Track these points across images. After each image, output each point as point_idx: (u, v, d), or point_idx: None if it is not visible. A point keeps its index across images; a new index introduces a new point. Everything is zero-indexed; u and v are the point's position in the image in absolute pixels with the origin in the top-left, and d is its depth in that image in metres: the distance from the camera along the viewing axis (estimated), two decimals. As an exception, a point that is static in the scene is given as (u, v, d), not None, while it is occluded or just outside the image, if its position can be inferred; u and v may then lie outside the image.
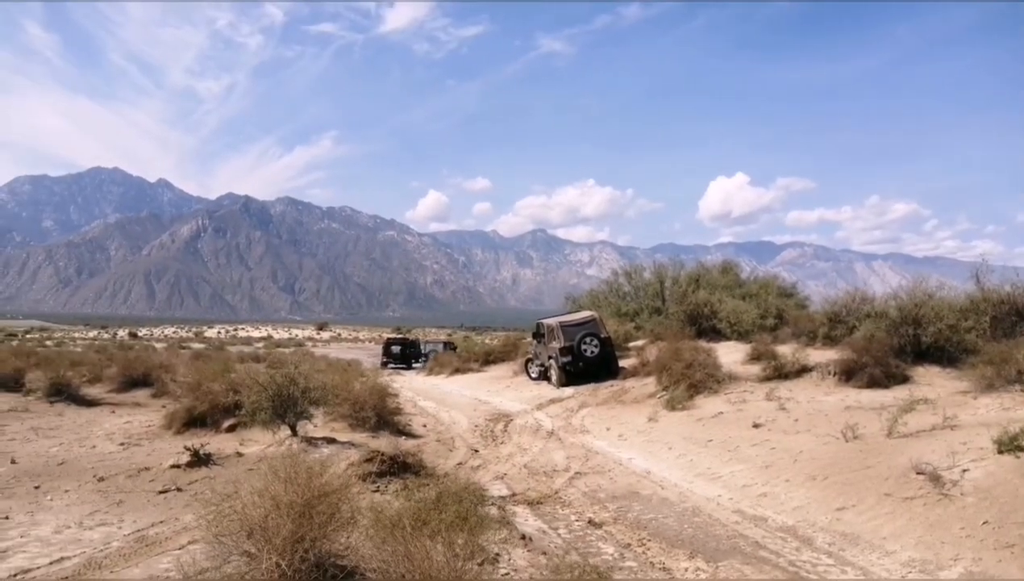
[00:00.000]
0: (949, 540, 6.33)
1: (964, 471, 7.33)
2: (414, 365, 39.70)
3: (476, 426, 14.81)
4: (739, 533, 7.33)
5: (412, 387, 24.54)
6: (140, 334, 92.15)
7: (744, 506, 8.19)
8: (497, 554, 6.36)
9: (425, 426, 15.05)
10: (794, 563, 6.41)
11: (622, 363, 19.68)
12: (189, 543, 6.80)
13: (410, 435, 13.59)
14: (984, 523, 6.40)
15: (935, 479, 7.29)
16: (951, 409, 9.51)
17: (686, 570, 6.36)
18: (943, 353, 13.34)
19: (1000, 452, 7.44)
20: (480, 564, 5.82)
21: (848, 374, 12.96)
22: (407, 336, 55.56)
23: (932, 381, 12.43)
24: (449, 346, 43.35)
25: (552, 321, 20.37)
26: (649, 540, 7.21)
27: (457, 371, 28.05)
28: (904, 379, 12.66)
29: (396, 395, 15.68)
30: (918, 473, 7.51)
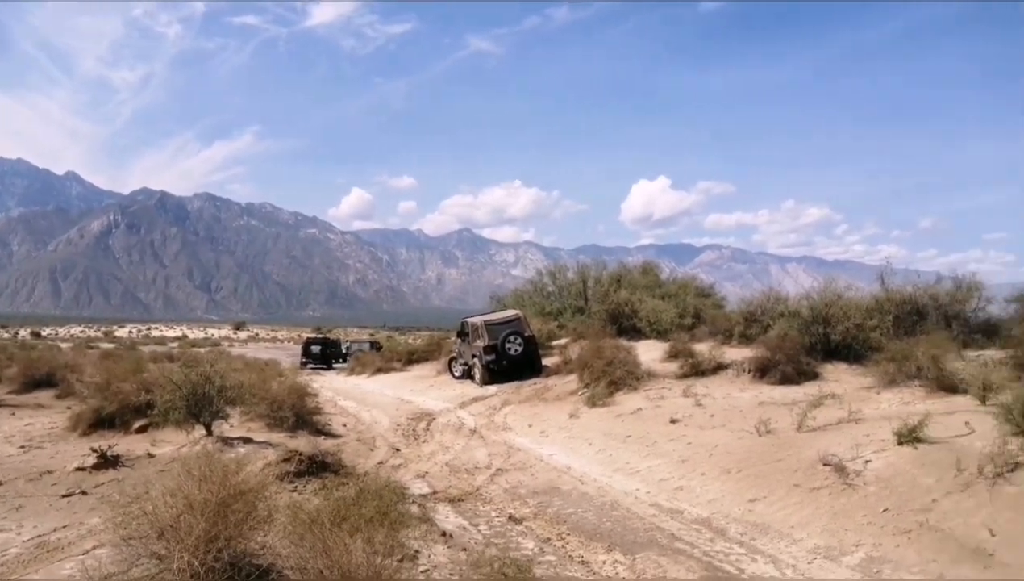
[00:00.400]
0: (852, 527, 6.63)
1: (867, 462, 7.67)
2: (335, 365, 39.09)
3: (398, 425, 14.69)
4: (656, 526, 7.48)
5: (332, 387, 24.17)
6: (44, 333, 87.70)
7: (661, 499, 8.37)
8: (417, 551, 6.33)
9: (345, 426, 14.84)
10: (708, 553, 6.59)
11: (545, 361, 19.84)
12: (94, 547, 6.51)
13: (330, 435, 13.37)
14: (884, 511, 6.71)
15: (840, 470, 7.61)
16: (856, 404, 9.93)
17: (604, 563, 6.45)
18: (850, 351, 13.90)
19: (900, 444, 7.82)
20: (400, 560, 5.77)
21: (762, 371, 13.38)
22: (327, 336, 54.65)
23: (840, 377, 12.94)
24: (375, 346, 42.87)
25: (477, 320, 20.38)
26: (568, 534, 7.29)
27: (379, 371, 27.78)
28: (814, 376, 13.13)
29: (315, 395, 15.41)
30: (825, 464, 7.82)
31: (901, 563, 5.95)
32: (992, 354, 11.62)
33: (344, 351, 41.76)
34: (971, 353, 12.13)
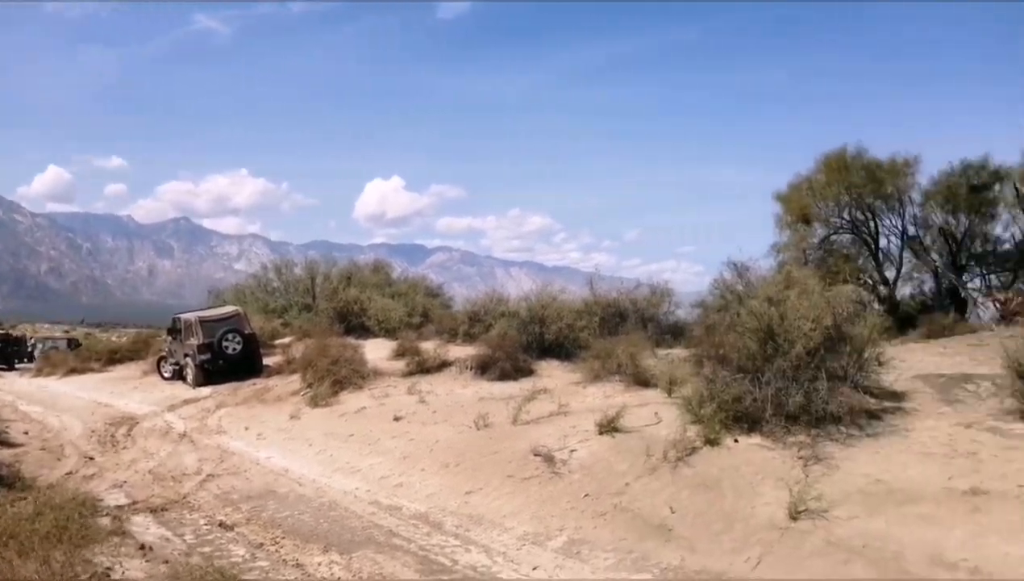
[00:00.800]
0: (557, 513, 7.11)
1: (572, 451, 8.29)
2: (18, 365, 34.26)
3: (93, 431, 13.21)
4: (374, 523, 7.46)
5: (14, 390, 21.23)
6: None
7: (381, 497, 8.36)
8: (109, 567, 5.71)
9: (27, 433, 13.06)
10: (424, 547, 6.70)
11: (267, 361, 19.00)
12: None
13: (7, 444, 11.67)
14: (585, 496, 7.29)
15: (549, 460, 8.15)
16: (566, 398, 10.67)
17: (320, 564, 6.30)
18: (562, 349, 14.92)
19: (601, 433, 8.56)
20: (88, 579, 5.16)
21: (483, 368, 13.90)
22: (9, 332, 47.72)
23: (552, 373, 13.81)
24: (72, 343, 38.13)
25: (190, 316, 18.98)
26: (283, 538, 7.02)
27: (74, 371, 24.78)
28: (530, 372, 13.88)
29: (-10, 398, 13.38)
30: (536, 455, 8.32)
31: (597, 543, 6.49)
32: (678, 352, 13.09)
33: (30, 349, 36.76)
34: (662, 351, 13.60)
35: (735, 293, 12.28)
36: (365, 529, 7.29)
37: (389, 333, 20.16)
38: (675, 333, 15.66)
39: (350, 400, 13.30)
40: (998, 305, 16.47)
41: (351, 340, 18.16)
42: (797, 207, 19.14)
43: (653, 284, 17.00)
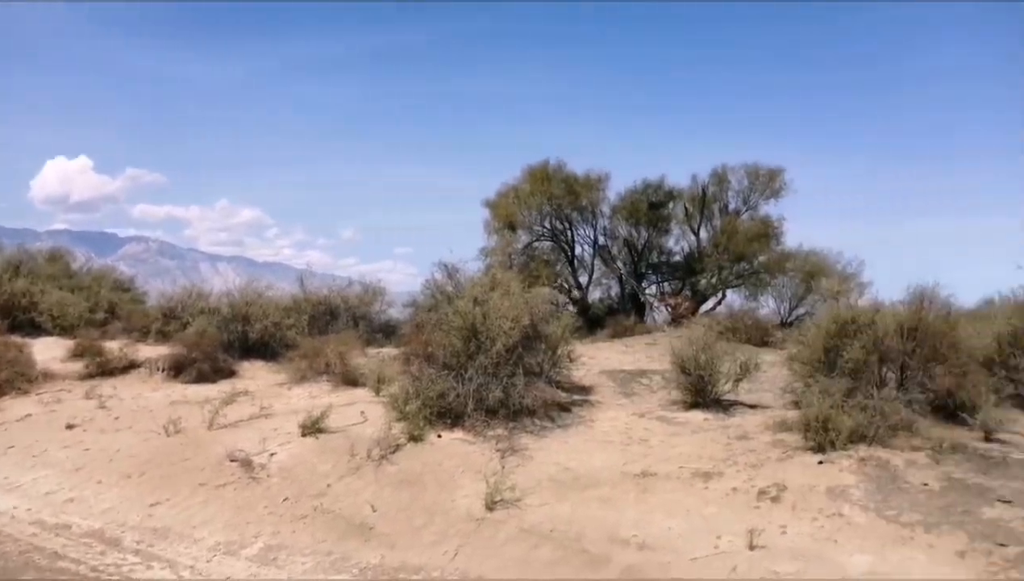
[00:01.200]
0: (254, 519, 6.77)
1: (272, 455, 7.95)
2: None
3: None
4: (36, 546, 6.53)
5: None
6: None
7: (45, 515, 7.34)
8: None
9: None
10: (96, 568, 6.01)
11: (-98, 363, 15.89)
12: None
13: None
14: (284, 500, 7.03)
15: (247, 464, 7.74)
16: (268, 400, 10.21)
17: (-42, 601, 5.37)
18: (268, 348, 14.27)
19: (304, 435, 8.32)
20: None
21: (178, 369, 12.86)
22: None
23: (256, 374, 13.16)
24: None
25: None
26: (-94, 575, 5.89)
27: None
28: (231, 373, 13.10)
29: None
30: (232, 460, 7.86)
31: (296, 547, 6.28)
32: (389, 351, 13.17)
33: None
34: (373, 350, 13.59)
35: (445, 293, 12.61)
36: (23, 553, 6.35)
37: (66, 331, 17.89)
38: (387, 332, 15.76)
39: (13, 407, 11.56)
40: (669, 308, 18.83)
41: (16, 338, 15.85)
42: (504, 214, 20.19)
43: (366, 283, 16.95)
